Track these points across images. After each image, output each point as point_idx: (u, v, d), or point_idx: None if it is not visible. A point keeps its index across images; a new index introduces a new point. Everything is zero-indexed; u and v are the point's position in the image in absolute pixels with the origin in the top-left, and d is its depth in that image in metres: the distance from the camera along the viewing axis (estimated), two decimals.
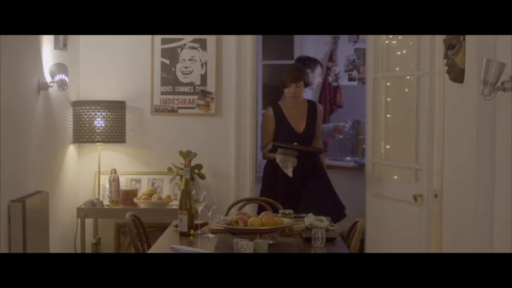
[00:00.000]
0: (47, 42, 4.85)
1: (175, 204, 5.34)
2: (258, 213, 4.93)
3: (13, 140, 4.20)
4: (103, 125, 5.44)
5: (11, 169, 4.14)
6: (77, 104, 5.51)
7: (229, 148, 5.72)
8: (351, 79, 8.45)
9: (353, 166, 6.69)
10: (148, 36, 5.72)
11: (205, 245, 3.82)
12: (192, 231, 3.96)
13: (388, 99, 5.00)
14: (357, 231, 3.98)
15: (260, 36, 7.48)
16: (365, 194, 5.14)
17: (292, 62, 8.43)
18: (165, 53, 5.76)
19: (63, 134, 5.38)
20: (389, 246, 4.84)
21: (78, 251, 5.44)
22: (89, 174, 5.72)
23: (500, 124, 3.00)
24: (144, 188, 5.67)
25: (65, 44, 5.20)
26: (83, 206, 5.44)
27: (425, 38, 4.37)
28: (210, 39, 5.73)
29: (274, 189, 5.43)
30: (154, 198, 5.48)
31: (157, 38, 5.74)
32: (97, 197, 5.58)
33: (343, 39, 8.27)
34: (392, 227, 4.82)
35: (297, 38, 8.39)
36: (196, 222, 4.03)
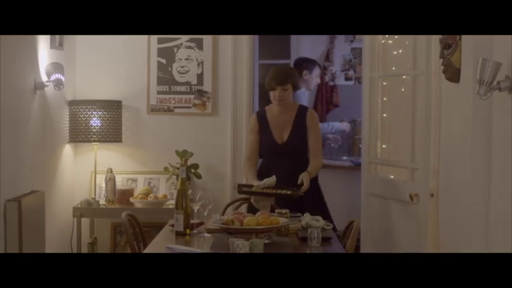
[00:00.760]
0: (43, 41, 4.84)
1: (171, 203, 5.34)
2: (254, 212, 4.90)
3: (9, 140, 4.20)
4: (99, 124, 5.44)
5: (6, 168, 4.14)
6: (73, 103, 5.51)
7: (226, 148, 5.73)
8: (347, 78, 8.46)
9: (349, 166, 6.69)
10: (145, 36, 5.72)
11: (201, 244, 3.82)
12: (188, 231, 3.96)
13: (385, 98, 5.00)
14: (353, 230, 3.98)
15: (256, 36, 7.48)
16: (361, 193, 5.14)
17: (289, 61, 8.43)
18: (161, 52, 5.76)
19: (59, 133, 5.38)
20: (385, 245, 4.84)
21: (74, 250, 5.44)
22: (85, 174, 5.72)
23: (496, 123, 3.01)
24: (140, 188, 5.67)
25: (61, 44, 5.19)
26: (79, 206, 5.44)
27: (422, 38, 4.37)
28: (207, 38, 5.73)
29: None
30: (150, 197, 5.48)
31: (154, 37, 5.75)
32: (93, 196, 5.57)
33: (340, 38, 8.28)
34: (389, 227, 4.82)
35: (294, 38, 8.39)
36: (192, 221, 4.03)
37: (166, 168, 5.60)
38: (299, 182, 4.62)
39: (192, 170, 5.55)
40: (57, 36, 5.11)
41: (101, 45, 5.73)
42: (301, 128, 4.87)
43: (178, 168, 5.36)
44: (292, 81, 4.86)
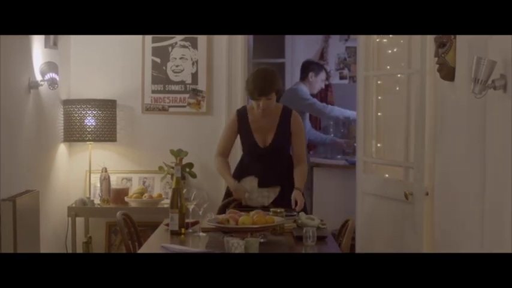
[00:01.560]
0: (37, 40, 4.83)
1: (166, 203, 5.33)
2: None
3: (3, 139, 4.18)
4: (94, 123, 5.43)
5: (1, 168, 4.12)
6: (67, 102, 5.50)
7: None
8: (342, 77, 8.47)
9: (344, 164, 6.69)
10: (139, 35, 5.71)
11: (196, 243, 3.82)
12: (183, 230, 3.95)
13: (379, 97, 5.00)
14: (348, 229, 3.99)
15: (251, 35, 7.48)
16: (356, 192, 5.14)
17: (283, 60, 8.43)
18: (155, 51, 5.76)
19: (54, 132, 5.37)
20: (380, 244, 4.84)
21: (69, 250, 5.43)
22: (79, 173, 5.71)
23: (491, 122, 3.01)
24: (135, 187, 5.66)
25: (55, 43, 5.18)
26: (73, 205, 5.43)
27: (416, 37, 4.37)
28: (201, 38, 5.73)
29: None
30: (145, 197, 5.47)
31: (148, 36, 5.74)
32: (88, 195, 5.57)
33: (334, 37, 8.29)
34: (383, 225, 4.83)
35: (288, 37, 8.40)
36: (187, 220, 4.03)
37: (161, 168, 5.59)
38: (292, 202, 4.48)
39: (187, 169, 5.55)
40: (52, 36, 5.10)
41: (95, 45, 5.72)
42: (285, 133, 4.69)
43: (173, 168, 5.37)
44: (276, 89, 4.55)
